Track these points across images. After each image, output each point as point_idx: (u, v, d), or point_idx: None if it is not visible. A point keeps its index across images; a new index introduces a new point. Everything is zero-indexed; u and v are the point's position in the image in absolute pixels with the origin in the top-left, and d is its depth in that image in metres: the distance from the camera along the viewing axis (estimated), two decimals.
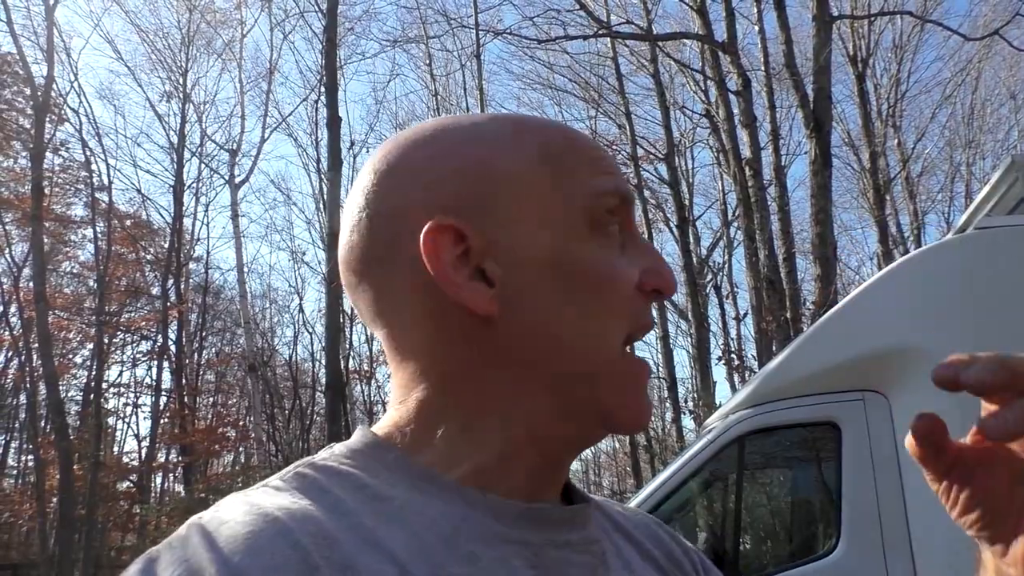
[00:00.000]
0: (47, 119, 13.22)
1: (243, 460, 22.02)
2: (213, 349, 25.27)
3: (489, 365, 0.50)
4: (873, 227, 16.66)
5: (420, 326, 0.51)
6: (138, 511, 18.40)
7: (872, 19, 15.40)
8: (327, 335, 9.96)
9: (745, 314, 14.74)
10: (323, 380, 15.01)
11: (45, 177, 14.57)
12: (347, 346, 18.05)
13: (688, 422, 14.86)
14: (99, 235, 17.98)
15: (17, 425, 22.98)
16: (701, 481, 3.83)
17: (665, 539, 0.62)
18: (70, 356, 21.75)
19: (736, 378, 12.86)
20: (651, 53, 14.94)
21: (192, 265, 21.85)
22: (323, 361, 17.16)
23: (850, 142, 18.42)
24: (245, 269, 16.08)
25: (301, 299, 25.66)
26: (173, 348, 19.77)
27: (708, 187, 21.74)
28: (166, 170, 20.49)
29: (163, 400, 20.64)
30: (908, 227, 18.79)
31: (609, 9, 15.76)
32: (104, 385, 19.57)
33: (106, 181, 18.05)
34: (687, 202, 17.35)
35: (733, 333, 18.38)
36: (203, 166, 20.44)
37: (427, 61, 19.19)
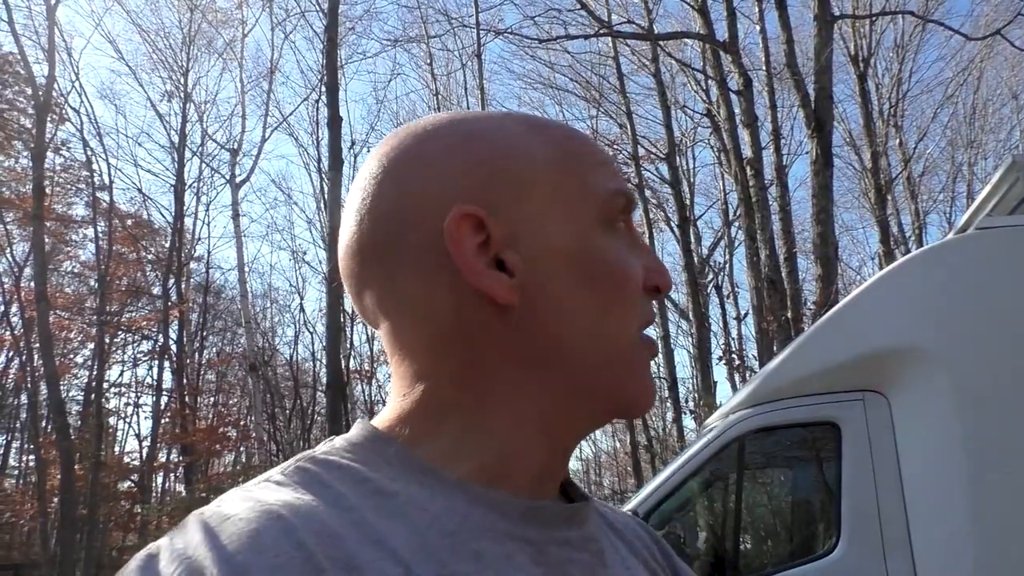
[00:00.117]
0: (48, 119, 13.22)
1: (244, 460, 22.04)
2: (214, 349, 25.31)
3: (505, 357, 0.50)
4: (874, 227, 16.66)
5: (433, 316, 0.50)
6: (139, 511, 18.40)
7: (873, 19, 15.39)
8: (328, 334, 9.97)
9: (746, 314, 14.76)
10: (324, 379, 15.03)
11: (46, 177, 14.58)
12: (348, 345, 18.07)
13: (689, 422, 14.88)
14: (100, 235, 18.00)
15: (18, 425, 23.02)
16: (701, 481, 3.83)
17: (647, 539, 0.63)
18: (71, 356, 21.77)
19: (737, 378, 12.87)
20: (652, 52, 14.93)
21: (193, 265, 21.89)
22: (324, 360, 17.19)
23: (851, 142, 18.43)
24: (246, 269, 16.11)
25: (302, 299, 25.69)
26: (174, 348, 19.78)
27: (709, 187, 21.78)
28: (167, 169, 20.53)
29: (164, 400, 20.68)
30: (910, 227, 18.79)
31: (610, 8, 15.76)
32: (105, 385, 19.60)
33: (107, 181, 18.09)
34: (688, 202, 17.36)
35: (734, 333, 18.40)
36: (204, 166, 20.47)
37: (428, 60, 19.21)
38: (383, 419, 0.52)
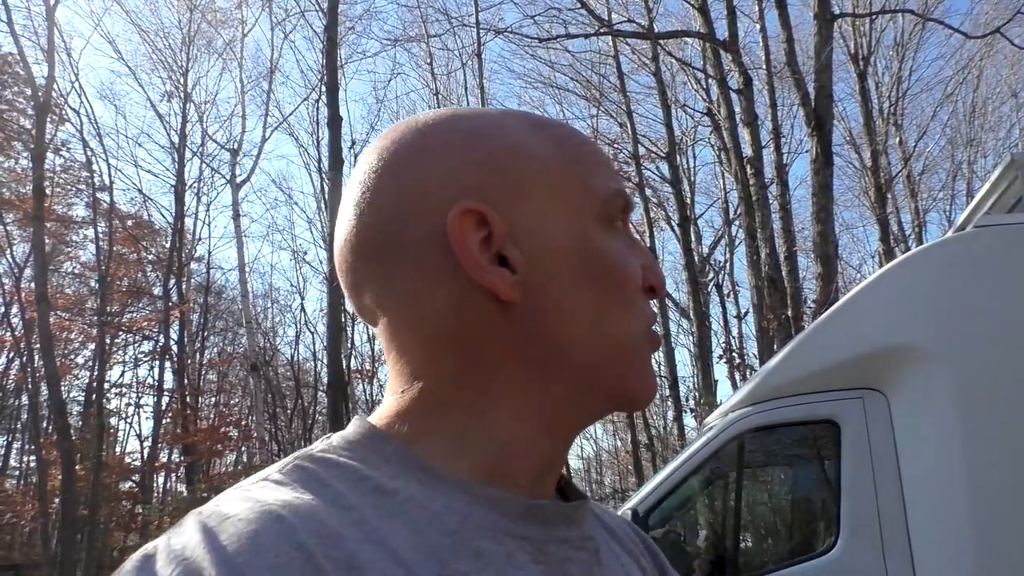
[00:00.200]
0: (48, 119, 13.21)
1: (245, 460, 22.05)
2: (215, 349, 25.33)
3: (506, 354, 0.50)
4: (875, 225, 16.65)
5: (433, 313, 0.50)
6: (141, 511, 18.40)
7: (873, 17, 15.38)
8: (329, 334, 9.96)
9: (746, 312, 14.77)
10: (325, 379, 15.03)
11: (46, 177, 14.57)
12: (349, 345, 18.09)
13: (690, 420, 14.89)
14: (100, 235, 18.00)
15: (19, 426, 23.03)
16: (701, 479, 3.84)
17: (637, 540, 0.63)
18: (72, 356, 21.77)
19: (737, 376, 12.87)
20: (652, 51, 14.93)
21: (194, 265, 21.88)
22: (325, 360, 17.20)
23: (851, 140, 18.42)
24: (247, 269, 16.13)
25: (303, 299, 25.72)
26: (175, 348, 19.79)
27: (710, 185, 21.77)
28: (167, 170, 20.51)
29: (165, 400, 20.66)
30: (910, 225, 18.79)
31: (610, 7, 15.77)
32: (106, 385, 19.62)
33: (107, 181, 18.09)
34: (688, 201, 17.36)
35: (735, 331, 18.40)
36: (204, 166, 20.48)
37: (428, 60, 19.23)
38: (380, 416, 0.52)
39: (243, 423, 22.06)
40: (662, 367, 15.64)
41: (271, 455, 18.98)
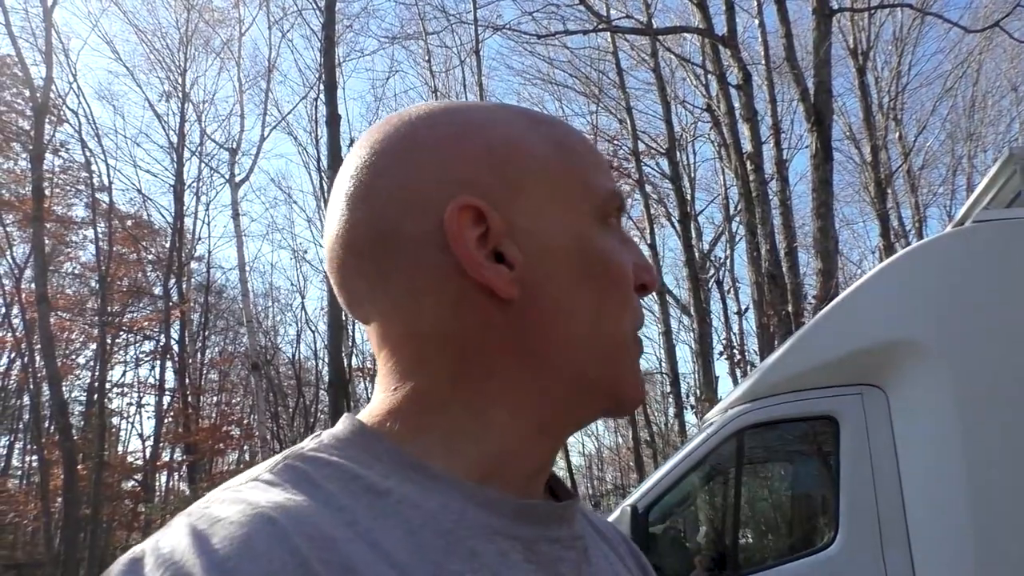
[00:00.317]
0: (46, 120, 13.22)
1: (247, 458, 22.10)
2: (216, 348, 25.36)
3: (502, 352, 0.49)
4: (875, 221, 16.64)
5: (429, 310, 0.49)
6: (143, 510, 18.44)
7: (872, 12, 15.37)
8: (329, 333, 9.96)
9: (746, 308, 14.75)
10: (326, 377, 15.04)
11: (45, 178, 14.59)
12: (350, 343, 18.09)
13: (691, 417, 14.90)
14: (100, 236, 18.02)
15: (21, 426, 23.06)
16: (700, 476, 3.84)
17: (621, 540, 0.63)
18: (73, 357, 21.78)
19: (738, 372, 12.87)
20: (651, 47, 14.93)
21: (194, 264, 21.91)
22: (326, 359, 17.21)
23: (851, 135, 18.41)
24: (247, 268, 16.14)
25: (303, 297, 25.73)
26: (176, 347, 19.82)
27: (710, 182, 21.78)
28: (166, 170, 20.55)
29: (167, 399, 20.69)
30: (910, 220, 18.79)
31: (609, 3, 15.76)
32: (107, 385, 19.64)
33: (106, 182, 18.10)
34: (689, 197, 17.36)
35: (735, 328, 18.40)
36: (203, 165, 20.50)
37: (426, 57, 19.20)
38: (371, 414, 0.51)
39: (245, 422, 22.13)
40: (663, 363, 15.65)
41: (273, 454, 18.96)
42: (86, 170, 17.72)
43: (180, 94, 19.69)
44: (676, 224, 16.32)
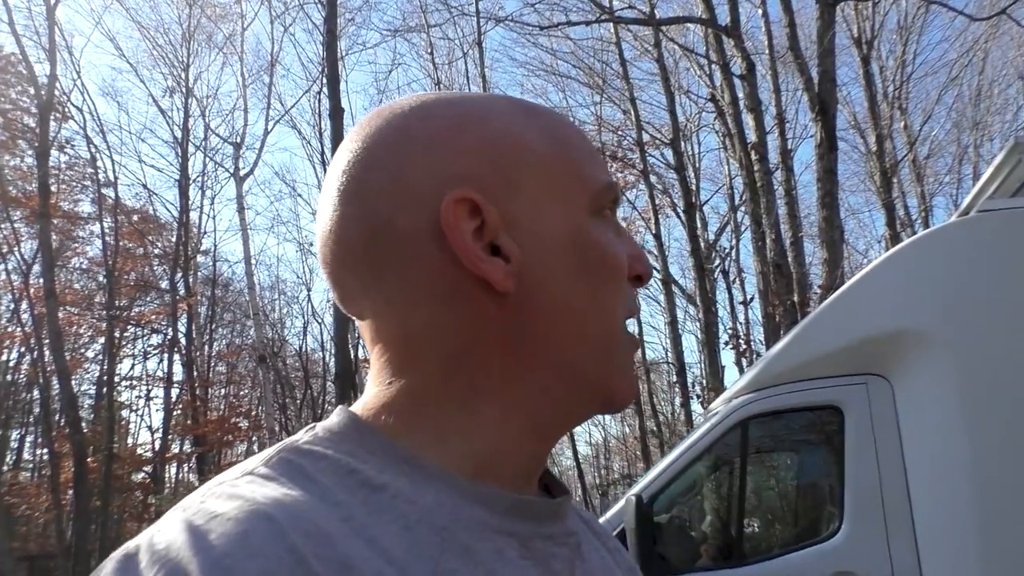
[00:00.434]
0: (51, 117, 13.26)
1: (256, 449, 22.18)
2: (223, 341, 25.46)
3: (498, 346, 0.49)
4: (881, 210, 16.59)
5: (424, 304, 0.48)
6: (153, 501, 18.55)
7: (876, 0, 15.26)
8: (336, 324, 9.99)
9: (752, 298, 14.73)
10: (333, 369, 15.08)
11: (51, 175, 14.64)
12: (356, 335, 18.09)
13: (697, 407, 14.90)
14: (107, 231, 18.11)
15: (32, 419, 23.21)
16: (705, 465, 3.85)
17: (610, 537, 0.64)
18: (82, 351, 21.92)
19: (744, 362, 12.87)
20: (655, 38, 14.86)
21: (200, 258, 21.94)
22: (332, 350, 17.26)
23: (856, 125, 18.34)
24: (253, 261, 16.14)
25: (309, 290, 25.70)
26: (183, 341, 19.89)
27: (715, 172, 21.76)
28: (171, 165, 20.60)
29: (175, 392, 20.78)
30: (916, 210, 18.72)
31: None
32: (116, 378, 19.75)
33: (112, 177, 18.20)
34: (694, 187, 17.31)
35: (741, 318, 18.38)
36: (208, 160, 20.51)
37: (429, 50, 19.17)
38: (365, 407, 0.50)
39: (253, 414, 22.23)
40: (669, 353, 15.66)
41: None
42: (91, 166, 17.82)
43: (184, 89, 19.71)
44: (681, 214, 16.28)
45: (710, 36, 12.18)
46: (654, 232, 16.58)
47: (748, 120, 10.41)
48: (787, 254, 9.64)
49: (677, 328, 16.31)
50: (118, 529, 18.54)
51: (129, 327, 21.48)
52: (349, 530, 0.42)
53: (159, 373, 22.20)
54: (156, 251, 21.15)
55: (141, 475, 19.99)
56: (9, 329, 20.70)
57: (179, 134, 19.94)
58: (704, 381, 14.62)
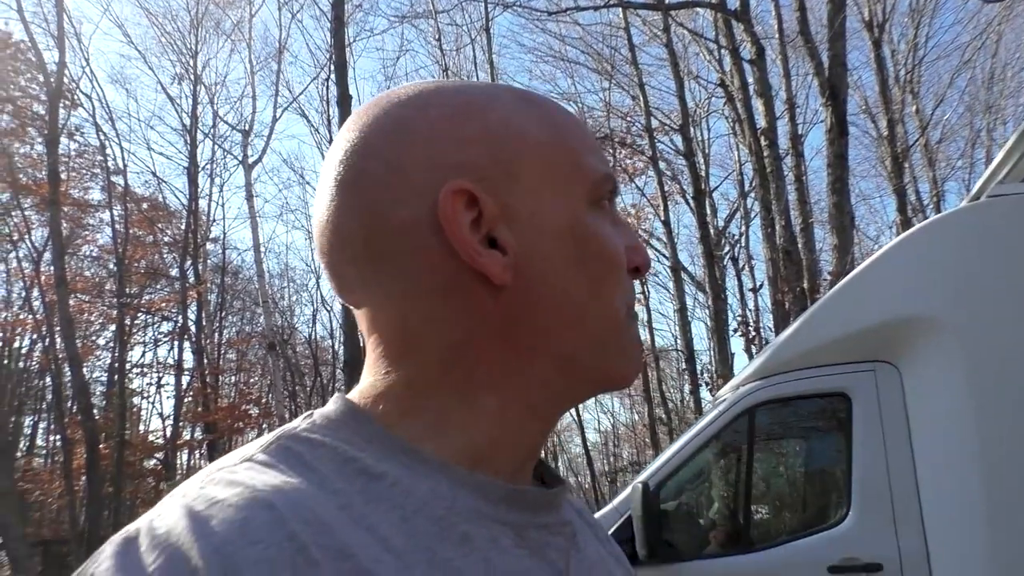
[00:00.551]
0: (60, 105, 13.29)
1: None
2: (233, 328, 25.59)
3: (496, 338, 0.49)
4: (892, 195, 16.46)
5: (421, 296, 0.48)
6: (165, 488, 18.73)
7: None
8: (344, 312, 10.04)
9: (761, 285, 14.69)
10: (342, 357, 15.14)
11: (61, 162, 14.69)
12: None
13: (707, 394, 14.90)
14: (116, 218, 18.17)
15: (44, 406, 23.43)
16: (713, 452, 3.86)
17: (602, 528, 0.64)
18: (93, 338, 22.09)
19: (753, 349, 12.84)
20: (664, 23, 14.74)
21: (209, 246, 22.05)
22: (341, 338, 17.33)
23: (867, 109, 18.16)
24: (262, 249, 16.20)
25: (318, 278, 25.78)
26: (193, 328, 20.00)
27: (724, 158, 21.61)
28: (180, 152, 20.63)
29: (185, 379, 20.92)
30: (928, 195, 18.58)
31: None
32: (127, 366, 19.88)
33: (121, 165, 18.25)
34: (703, 173, 17.23)
35: (751, 305, 18.33)
36: (216, 147, 20.55)
37: (436, 36, 19.06)
38: (361, 396, 0.50)
39: (263, 401, 22.36)
40: (678, 340, 15.64)
41: None
42: (101, 153, 17.90)
43: (192, 76, 19.71)
44: (690, 201, 16.20)
45: (719, 21, 12.09)
46: (663, 219, 16.52)
47: (758, 105, 10.34)
48: (797, 240, 9.60)
49: (686, 315, 16.27)
50: (130, 515, 18.69)
51: (139, 315, 21.62)
52: (347, 518, 0.42)
53: (170, 361, 22.35)
54: (166, 239, 21.24)
55: (153, 462, 20.17)
56: (21, 316, 20.89)
57: (188, 121, 19.97)
58: (713, 368, 14.59)
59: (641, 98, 15.82)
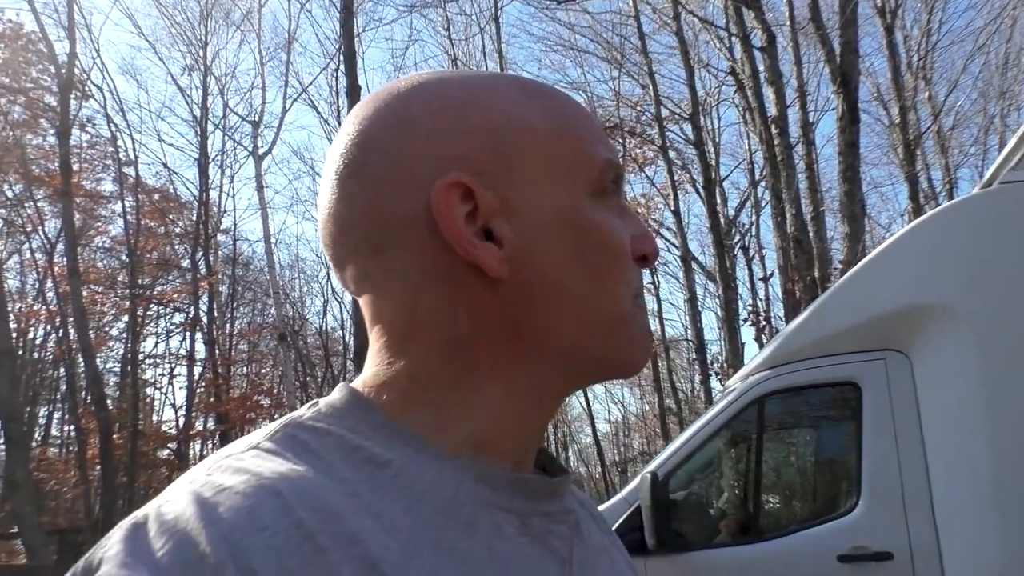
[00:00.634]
0: (72, 96, 13.34)
1: None
2: (245, 319, 25.69)
3: (497, 331, 0.49)
4: (904, 183, 16.34)
5: (420, 288, 0.49)
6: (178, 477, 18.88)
7: None
8: (354, 304, 10.05)
9: (771, 274, 14.61)
10: (353, 348, 15.19)
11: (73, 154, 14.76)
12: None
13: (717, 384, 14.86)
14: (128, 210, 18.25)
15: (59, 396, 23.65)
16: (722, 442, 3.85)
17: (604, 519, 0.64)
18: (106, 329, 22.25)
19: (764, 339, 12.80)
20: (673, 10, 14.64)
21: (220, 237, 22.10)
22: (352, 329, 17.37)
23: (879, 97, 18.00)
24: (272, 240, 16.24)
25: (328, 269, 25.88)
26: (205, 319, 20.10)
27: (735, 146, 21.50)
28: (190, 143, 20.72)
29: (197, 370, 21.04)
30: (940, 182, 18.42)
31: None
32: (140, 356, 20.01)
33: (132, 156, 18.30)
34: (713, 162, 17.12)
35: (761, 294, 18.26)
36: (226, 138, 20.56)
37: (445, 26, 18.97)
38: (365, 385, 0.51)
39: (274, 392, 22.45)
40: (688, 330, 15.60)
41: None
42: (112, 145, 17.92)
43: (202, 67, 19.71)
44: (700, 190, 16.11)
45: (730, 8, 11.99)
46: (673, 208, 16.45)
47: (768, 93, 10.27)
48: (808, 229, 9.55)
49: (696, 305, 16.22)
50: (144, 504, 18.87)
51: (152, 306, 21.74)
52: (354, 505, 0.42)
53: (182, 351, 22.49)
54: (177, 230, 21.32)
55: (166, 452, 20.32)
56: (35, 307, 21.07)
57: (198, 113, 19.99)
58: (723, 358, 14.54)
59: (651, 87, 15.73)
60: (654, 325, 19.15)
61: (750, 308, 14.81)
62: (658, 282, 19.66)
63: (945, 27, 18.76)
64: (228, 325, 22.68)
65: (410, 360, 0.50)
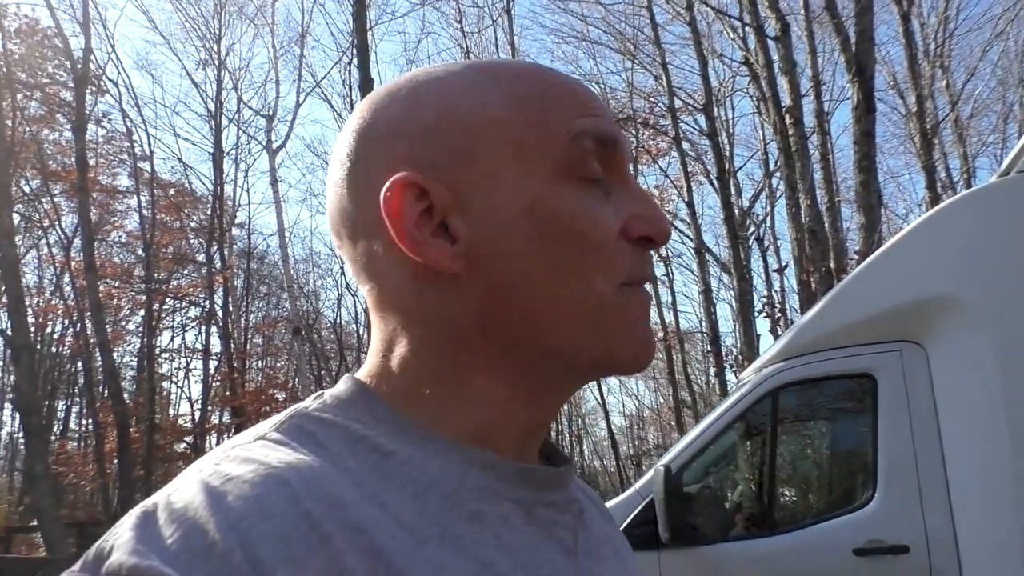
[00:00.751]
0: (87, 91, 13.43)
1: None
2: (259, 313, 25.83)
3: (474, 326, 0.49)
4: (921, 172, 16.17)
5: (398, 285, 0.50)
6: None
7: None
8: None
9: (786, 265, 14.53)
10: (367, 341, 15.24)
11: (89, 149, 14.87)
12: None
13: (732, 376, 14.81)
14: (144, 204, 18.38)
15: (77, 390, 23.90)
16: (736, 435, 3.83)
17: (606, 509, 0.64)
18: (123, 323, 22.44)
19: (779, 331, 12.73)
20: (687, 1, 14.55)
21: (235, 231, 22.22)
22: (366, 323, 17.42)
23: (895, 85, 17.82)
24: (287, 234, 16.32)
25: (342, 263, 25.98)
26: (220, 313, 20.22)
27: (749, 137, 21.37)
28: (205, 138, 20.77)
29: (213, 364, 21.19)
30: (958, 171, 18.23)
31: None
32: (156, 350, 20.18)
33: (148, 151, 18.42)
34: (727, 153, 17.02)
35: (776, 286, 18.16)
36: (241, 133, 20.66)
37: (458, 18, 18.96)
38: (368, 376, 0.51)
39: (289, 385, 22.57)
40: (703, 322, 15.54)
41: None
42: (128, 140, 18.08)
43: (216, 62, 19.77)
44: (714, 181, 16.02)
45: None
46: (687, 200, 16.39)
47: (783, 83, 10.19)
48: (823, 220, 9.49)
49: (711, 297, 16.17)
50: None
51: (168, 300, 21.90)
52: (360, 495, 0.43)
53: (198, 345, 22.65)
54: (192, 225, 21.45)
55: (182, 445, 20.49)
56: (53, 302, 21.27)
57: (212, 107, 20.07)
58: (738, 350, 14.48)
59: (664, 78, 15.66)
60: (668, 317, 19.13)
61: (765, 300, 14.70)
62: (672, 274, 19.60)
63: (963, 14, 18.60)
64: (243, 319, 22.81)
65: (407, 353, 0.50)
